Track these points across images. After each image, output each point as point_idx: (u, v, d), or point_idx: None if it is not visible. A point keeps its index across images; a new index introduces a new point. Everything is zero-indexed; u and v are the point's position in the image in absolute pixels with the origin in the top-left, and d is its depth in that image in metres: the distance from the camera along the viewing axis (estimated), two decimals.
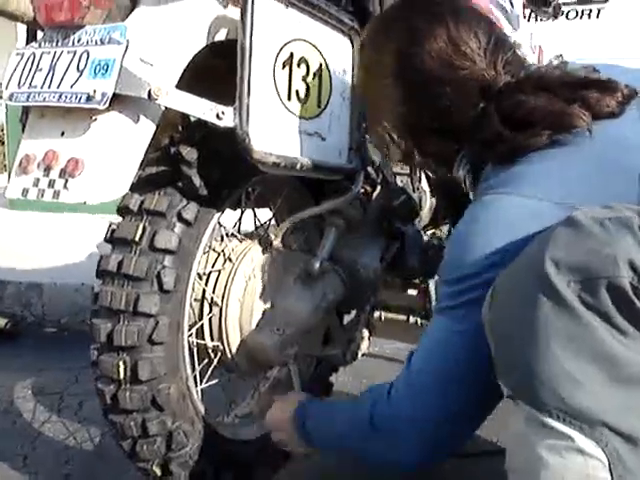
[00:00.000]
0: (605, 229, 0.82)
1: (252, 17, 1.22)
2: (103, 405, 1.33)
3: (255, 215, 1.64)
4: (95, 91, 1.08)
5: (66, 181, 1.12)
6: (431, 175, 1.87)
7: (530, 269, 0.87)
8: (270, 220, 1.67)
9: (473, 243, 1.02)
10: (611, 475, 0.81)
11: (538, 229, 0.93)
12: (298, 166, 1.35)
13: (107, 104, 1.08)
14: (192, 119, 1.37)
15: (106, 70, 1.10)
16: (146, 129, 1.17)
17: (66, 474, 1.79)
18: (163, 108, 1.19)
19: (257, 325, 1.48)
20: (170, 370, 1.32)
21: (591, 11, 4.95)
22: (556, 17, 2.51)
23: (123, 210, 1.33)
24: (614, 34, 4.92)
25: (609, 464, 0.81)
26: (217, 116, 1.19)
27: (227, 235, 1.52)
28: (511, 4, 2.35)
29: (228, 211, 1.48)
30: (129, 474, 1.65)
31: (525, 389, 0.86)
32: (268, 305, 1.50)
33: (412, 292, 2.14)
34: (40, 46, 1.20)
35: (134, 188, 1.31)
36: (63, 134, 1.15)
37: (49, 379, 2.47)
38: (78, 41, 1.15)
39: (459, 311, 1.03)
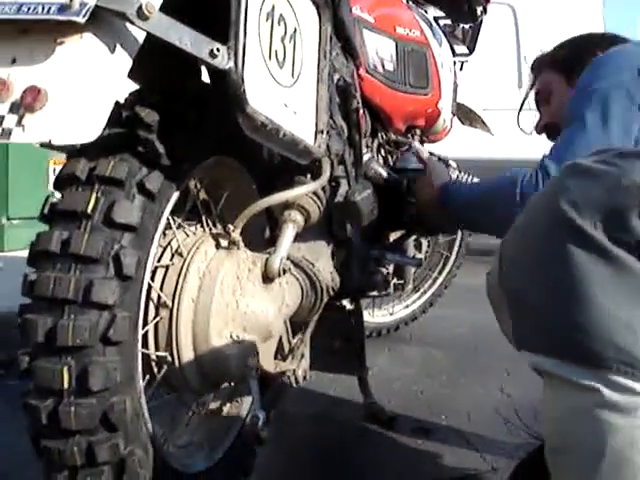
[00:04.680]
0: (612, 164, 0.80)
1: None
2: (33, 427, 1.03)
3: (204, 205, 1.39)
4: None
5: (21, 117, 0.85)
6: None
7: (550, 223, 0.82)
8: (217, 213, 1.43)
9: None
10: None
11: None
12: (281, 134, 1.15)
13: (87, 17, 0.84)
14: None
15: None
16: (123, 61, 0.93)
17: None
18: (142, 39, 0.95)
19: (214, 330, 1.23)
20: (125, 379, 1.04)
21: (455, 63, 5.09)
22: (472, 48, 2.49)
23: (66, 179, 1.06)
24: (477, 85, 5.08)
25: None
26: (211, 53, 0.97)
27: (174, 227, 1.27)
28: (434, 19, 2.31)
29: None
30: None
31: (574, 348, 0.78)
32: (226, 307, 1.26)
33: (337, 313, 1.96)
34: None
35: (77, 152, 1.06)
36: (14, 61, 0.88)
37: None
38: None
39: None
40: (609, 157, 0.81)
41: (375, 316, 2.81)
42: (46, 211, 1.06)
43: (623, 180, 0.77)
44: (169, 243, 1.27)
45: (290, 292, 1.38)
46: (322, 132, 1.34)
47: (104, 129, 1.00)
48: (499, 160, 5.02)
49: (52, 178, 4.02)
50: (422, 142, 2.21)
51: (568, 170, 0.84)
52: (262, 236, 1.48)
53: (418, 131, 2.19)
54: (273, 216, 1.43)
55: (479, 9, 2.22)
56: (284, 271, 1.34)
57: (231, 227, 1.29)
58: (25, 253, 1.06)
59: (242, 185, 1.41)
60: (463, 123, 2.97)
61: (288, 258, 1.38)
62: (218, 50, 0.97)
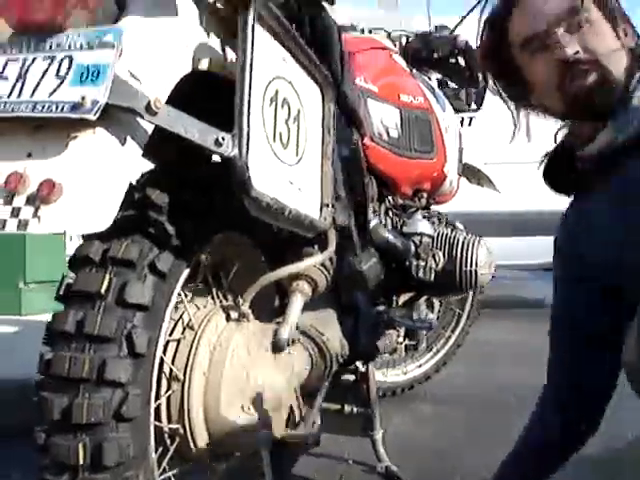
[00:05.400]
0: None
1: (252, 42, 1.08)
2: None
3: (214, 279, 1.44)
4: (84, 98, 0.89)
5: (37, 208, 0.90)
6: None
7: None
8: (227, 286, 1.47)
9: None
10: None
11: None
12: (286, 213, 1.20)
13: (98, 114, 0.89)
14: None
15: (96, 76, 0.91)
16: (133, 152, 0.99)
17: None
18: (151, 129, 1.00)
19: (225, 403, 1.26)
20: (138, 453, 1.08)
21: (463, 119, 5.18)
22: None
23: (81, 260, 1.11)
24: (485, 140, 5.16)
25: None
26: (216, 142, 1.02)
27: (184, 301, 1.32)
28: (438, 82, 2.38)
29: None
30: None
31: None
32: (236, 379, 1.29)
33: (348, 377, 1.99)
34: (2, 53, 0.99)
35: (91, 235, 1.11)
36: (30, 155, 0.94)
37: None
38: (57, 46, 0.95)
39: None
40: None
41: (389, 376, 2.82)
42: (62, 292, 1.11)
43: None
44: (181, 317, 1.31)
45: (299, 361, 1.42)
46: (327, 205, 1.39)
47: (118, 211, 1.06)
48: (508, 213, 5.07)
49: (69, 243, 4.09)
50: (429, 205, 2.26)
51: None
52: (272, 306, 1.52)
53: (425, 195, 2.24)
54: (282, 286, 1.48)
55: (480, 75, 2.29)
56: (293, 341, 1.38)
57: (240, 300, 1.33)
58: (42, 317, 1.11)
59: (251, 258, 1.47)
60: (471, 182, 3.02)
61: (297, 328, 1.42)
62: (223, 139, 1.03)
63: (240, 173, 1.05)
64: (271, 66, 1.20)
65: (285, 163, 1.25)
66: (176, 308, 1.30)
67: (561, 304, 1.45)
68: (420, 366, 2.94)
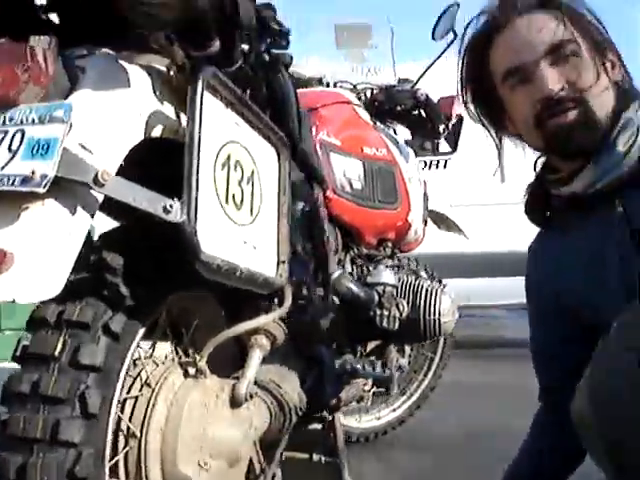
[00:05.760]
0: None
1: (201, 109, 1.13)
2: None
3: (172, 336, 1.47)
4: (34, 172, 0.93)
5: None
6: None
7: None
8: (187, 341, 1.51)
9: None
10: None
11: None
12: (237, 273, 1.24)
13: (47, 187, 0.94)
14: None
15: (46, 150, 0.95)
16: (83, 222, 1.02)
17: None
18: (102, 197, 1.05)
19: (183, 459, 1.29)
20: None
21: (439, 161, 5.27)
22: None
23: (37, 322, 1.14)
24: (460, 182, 5.25)
25: None
26: (164, 209, 1.07)
27: (143, 357, 1.35)
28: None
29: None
30: None
31: None
32: (193, 435, 1.32)
33: (315, 426, 2.01)
34: None
35: None
36: None
37: None
38: (10, 120, 1.00)
39: None
40: None
41: (362, 421, 2.84)
42: (18, 353, 1.14)
43: None
44: (139, 374, 1.34)
45: (258, 415, 1.44)
46: (283, 262, 1.43)
47: (74, 274, 1.10)
48: (489, 254, 5.13)
49: None
50: (394, 254, 2.31)
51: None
52: (231, 360, 1.55)
53: (390, 244, 2.29)
54: (242, 340, 1.51)
55: (441, 127, 2.36)
56: (251, 396, 1.41)
57: (197, 357, 1.36)
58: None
59: (211, 313, 1.50)
60: (440, 228, 3.08)
61: (255, 382, 1.45)
62: (171, 206, 1.07)
63: (189, 238, 1.10)
64: (223, 132, 1.25)
65: (238, 224, 1.29)
66: (135, 365, 1.34)
67: (538, 338, 1.47)
68: (394, 410, 2.96)
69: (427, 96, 2.30)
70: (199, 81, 1.15)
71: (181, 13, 1.09)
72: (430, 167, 5.29)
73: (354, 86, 2.54)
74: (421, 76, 2.43)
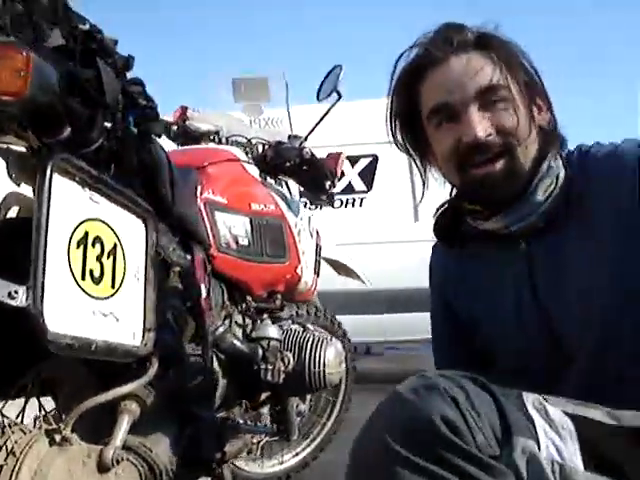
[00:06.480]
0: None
1: (49, 194, 1.18)
2: None
3: (40, 404, 1.51)
4: None
5: None
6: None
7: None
8: (56, 409, 1.54)
9: None
10: None
11: None
12: (92, 347, 1.28)
13: None
14: None
15: None
16: None
17: None
18: None
19: None
20: None
21: (355, 200, 5.39)
22: (332, 205, 2.70)
23: None
24: (376, 219, 5.37)
25: None
26: (9, 295, 1.11)
27: (9, 426, 1.38)
28: (290, 192, 2.51)
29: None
30: None
31: None
32: None
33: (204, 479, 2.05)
34: None
35: None
36: None
37: None
38: None
39: None
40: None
41: (265, 467, 2.87)
42: None
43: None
44: (5, 443, 1.37)
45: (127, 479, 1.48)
46: (149, 330, 1.48)
47: None
48: (401, 290, 5.23)
49: None
50: (283, 306, 2.37)
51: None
52: (106, 427, 1.58)
53: (279, 296, 2.36)
54: (115, 407, 1.55)
55: (327, 183, 2.45)
56: (118, 461, 1.45)
57: (62, 425, 1.40)
58: None
59: (82, 380, 1.54)
60: (340, 274, 3.16)
61: (124, 447, 1.49)
62: (16, 292, 1.12)
63: (34, 320, 1.14)
64: (78, 211, 1.30)
65: (97, 298, 1.34)
66: (3, 433, 1.37)
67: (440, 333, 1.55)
68: (297, 454, 3.00)
69: (312, 154, 2.39)
70: (47, 166, 1.20)
71: (27, 106, 1.14)
72: (347, 205, 5.42)
73: (248, 140, 2.61)
74: (309, 133, 2.51)
